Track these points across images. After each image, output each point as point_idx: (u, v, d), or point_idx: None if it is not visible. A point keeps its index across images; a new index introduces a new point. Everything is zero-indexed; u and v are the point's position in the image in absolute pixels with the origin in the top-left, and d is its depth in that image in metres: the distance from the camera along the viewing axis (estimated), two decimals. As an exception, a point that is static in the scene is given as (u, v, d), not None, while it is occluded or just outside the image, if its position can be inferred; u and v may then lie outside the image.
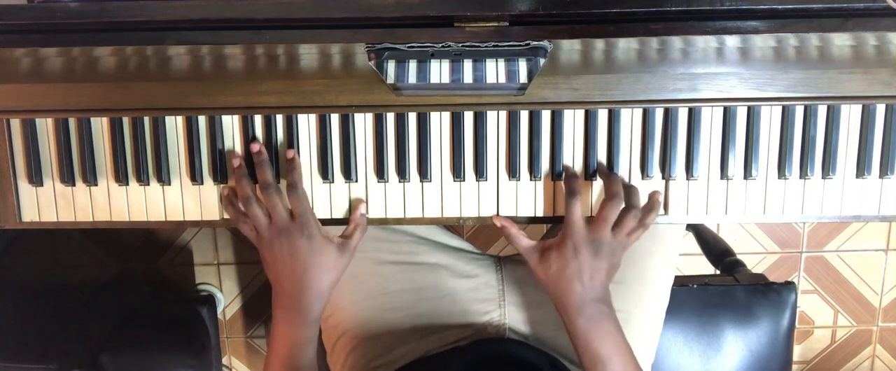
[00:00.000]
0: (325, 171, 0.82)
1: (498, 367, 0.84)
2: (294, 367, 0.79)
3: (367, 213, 0.83)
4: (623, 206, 0.78)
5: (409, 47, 0.74)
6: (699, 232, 1.41)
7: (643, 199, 0.81)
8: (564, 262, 0.77)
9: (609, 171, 0.81)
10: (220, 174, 0.82)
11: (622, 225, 0.78)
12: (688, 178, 0.81)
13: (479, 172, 0.81)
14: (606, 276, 0.78)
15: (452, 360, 0.87)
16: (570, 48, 0.76)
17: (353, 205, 0.83)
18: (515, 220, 0.82)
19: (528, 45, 0.74)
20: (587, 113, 0.80)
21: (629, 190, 0.80)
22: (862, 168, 0.81)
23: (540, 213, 0.82)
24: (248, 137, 0.81)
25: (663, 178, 0.82)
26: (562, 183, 0.81)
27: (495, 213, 0.82)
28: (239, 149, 0.82)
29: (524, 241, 0.80)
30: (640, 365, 0.79)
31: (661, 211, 0.82)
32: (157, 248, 1.76)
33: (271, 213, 0.79)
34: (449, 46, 0.74)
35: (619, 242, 0.78)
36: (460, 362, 0.85)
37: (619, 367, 0.76)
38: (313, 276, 0.78)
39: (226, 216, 0.83)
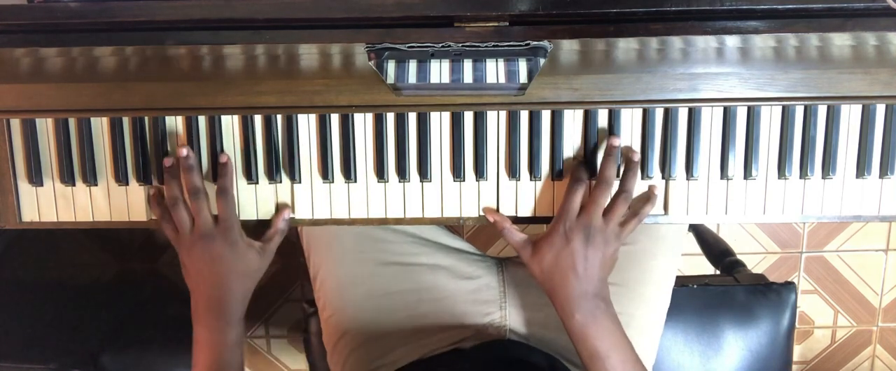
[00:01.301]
0: (325, 172, 0.82)
1: (498, 368, 0.84)
2: None
3: (294, 215, 0.82)
4: (615, 191, 0.78)
5: (409, 47, 0.74)
6: (699, 232, 1.41)
7: (639, 190, 0.80)
8: (556, 250, 0.76)
9: (607, 156, 0.80)
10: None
11: (613, 210, 0.77)
12: (688, 179, 0.81)
13: (479, 172, 0.81)
14: (601, 268, 0.77)
15: (453, 361, 0.87)
16: (570, 48, 0.76)
17: (278, 210, 0.82)
18: (515, 220, 0.82)
19: (528, 45, 0.74)
20: (587, 113, 0.80)
21: (626, 174, 0.79)
22: (862, 168, 0.81)
23: (541, 214, 0.82)
24: (248, 137, 0.81)
25: (663, 178, 0.82)
26: (562, 183, 0.81)
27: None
28: (239, 149, 0.82)
29: (517, 236, 0.80)
30: (640, 359, 0.78)
31: (661, 211, 0.82)
32: (157, 248, 1.76)
33: (196, 217, 0.78)
34: (449, 46, 0.74)
35: (611, 230, 0.77)
36: (461, 363, 0.85)
37: (618, 362, 0.76)
38: (234, 281, 0.78)
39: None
